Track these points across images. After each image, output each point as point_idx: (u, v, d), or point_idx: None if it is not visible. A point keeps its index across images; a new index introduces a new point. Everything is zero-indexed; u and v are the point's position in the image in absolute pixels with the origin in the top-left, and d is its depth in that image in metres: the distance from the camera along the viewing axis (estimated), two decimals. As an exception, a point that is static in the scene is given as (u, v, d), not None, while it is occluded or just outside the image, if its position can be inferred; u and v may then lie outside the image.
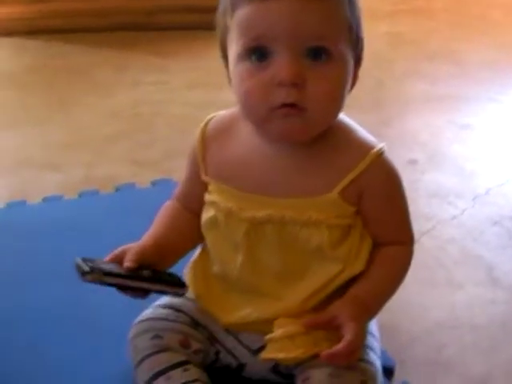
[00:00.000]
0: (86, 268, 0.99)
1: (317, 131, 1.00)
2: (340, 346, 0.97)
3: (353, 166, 1.03)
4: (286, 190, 1.04)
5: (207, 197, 1.11)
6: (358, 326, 1.00)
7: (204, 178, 1.11)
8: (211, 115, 1.13)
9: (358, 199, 1.05)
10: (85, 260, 1.02)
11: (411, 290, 1.13)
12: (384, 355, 1.20)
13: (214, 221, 1.10)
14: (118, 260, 1.05)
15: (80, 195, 1.91)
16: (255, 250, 1.07)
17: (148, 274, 1.03)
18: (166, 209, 1.18)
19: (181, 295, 1.07)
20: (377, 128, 2.25)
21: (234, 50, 0.98)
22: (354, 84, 1.02)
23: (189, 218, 1.15)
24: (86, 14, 3.34)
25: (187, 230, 1.15)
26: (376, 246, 1.09)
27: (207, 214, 1.11)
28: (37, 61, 3.07)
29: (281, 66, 0.92)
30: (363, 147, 1.04)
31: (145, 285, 1.02)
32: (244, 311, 1.11)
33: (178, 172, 2.02)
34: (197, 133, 1.12)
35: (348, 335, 0.98)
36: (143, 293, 1.04)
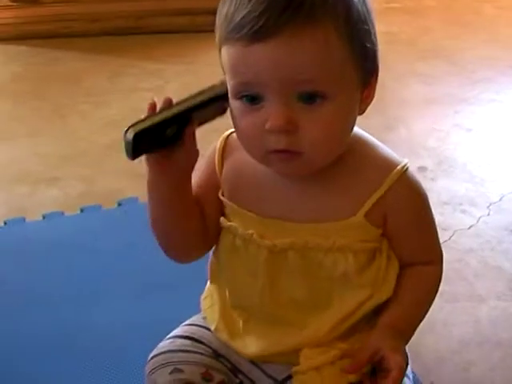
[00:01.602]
0: None
1: (320, 166, 0.93)
2: (388, 383, 0.92)
3: (376, 185, 0.96)
4: (308, 214, 0.98)
5: (224, 222, 1.03)
6: (401, 358, 0.95)
7: (221, 197, 1.04)
8: (231, 130, 1.06)
9: (383, 220, 0.98)
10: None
11: (433, 307, 1.07)
12: (413, 378, 1.14)
13: (232, 246, 1.03)
14: None
15: (82, 211, 1.84)
16: (276, 278, 1.00)
17: None
18: None
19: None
20: (381, 133, 2.21)
21: (228, 81, 0.91)
22: (367, 104, 0.94)
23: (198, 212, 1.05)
24: (76, 18, 3.28)
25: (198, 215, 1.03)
26: (403, 267, 1.02)
27: (225, 240, 1.04)
28: (26, 68, 3.00)
29: (270, 112, 0.86)
30: (386, 165, 0.97)
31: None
32: (267, 342, 1.04)
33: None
34: (217, 146, 1.04)
35: (395, 371, 0.93)
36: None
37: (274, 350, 1.04)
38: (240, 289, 1.05)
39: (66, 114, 2.53)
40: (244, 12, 0.84)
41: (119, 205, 1.88)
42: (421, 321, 1.04)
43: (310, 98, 0.86)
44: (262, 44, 0.83)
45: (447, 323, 1.49)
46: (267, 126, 0.86)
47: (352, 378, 0.96)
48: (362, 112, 0.94)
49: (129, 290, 1.54)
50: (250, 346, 1.06)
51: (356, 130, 0.97)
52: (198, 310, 1.13)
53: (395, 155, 1.00)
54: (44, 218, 1.82)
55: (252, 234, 0.99)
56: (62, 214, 1.83)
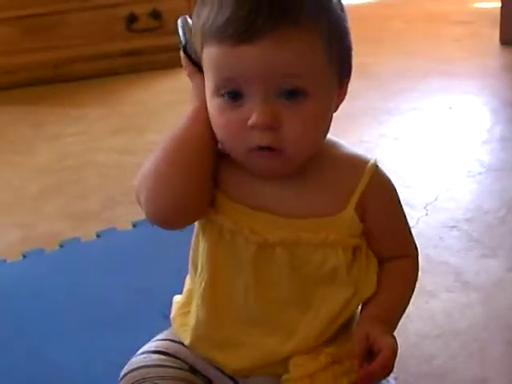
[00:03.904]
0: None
1: (300, 164, 0.94)
2: (376, 362, 0.92)
3: (356, 180, 0.98)
4: (297, 209, 0.98)
5: (212, 214, 0.99)
6: (391, 340, 0.96)
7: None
8: None
9: (364, 215, 0.99)
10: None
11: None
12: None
13: (218, 239, 0.99)
14: None
15: (24, 256, 1.81)
16: (262, 274, 0.98)
17: None
18: None
19: None
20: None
21: (207, 80, 0.92)
22: (341, 101, 0.97)
23: None
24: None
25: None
26: (381, 262, 1.03)
27: (210, 233, 1.00)
28: None
29: (253, 109, 0.87)
30: (358, 161, 1.00)
31: None
32: (253, 352, 1.01)
33: (121, 220, 1.97)
34: None
35: (385, 351, 0.93)
36: None
37: (264, 361, 1.02)
38: (223, 288, 1.01)
39: (-5, 167, 2.49)
40: (229, 12, 0.85)
41: (61, 246, 1.85)
42: (402, 315, 1.05)
43: (293, 94, 0.88)
44: (248, 45, 0.85)
45: (402, 319, 1.50)
46: (251, 122, 0.87)
47: (344, 381, 0.97)
48: (335, 110, 0.96)
49: (80, 329, 1.51)
50: (234, 358, 1.03)
51: None
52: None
53: (361, 153, 1.02)
54: (-14, 267, 1.78)
55: (242, 228, 0.97)
56: (5, 261, 1.80)
